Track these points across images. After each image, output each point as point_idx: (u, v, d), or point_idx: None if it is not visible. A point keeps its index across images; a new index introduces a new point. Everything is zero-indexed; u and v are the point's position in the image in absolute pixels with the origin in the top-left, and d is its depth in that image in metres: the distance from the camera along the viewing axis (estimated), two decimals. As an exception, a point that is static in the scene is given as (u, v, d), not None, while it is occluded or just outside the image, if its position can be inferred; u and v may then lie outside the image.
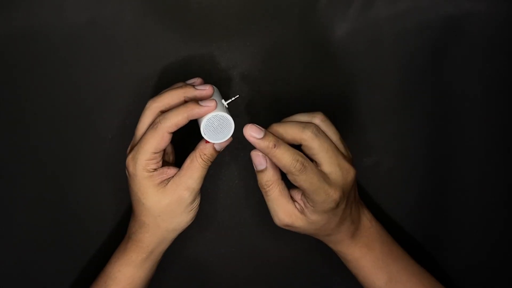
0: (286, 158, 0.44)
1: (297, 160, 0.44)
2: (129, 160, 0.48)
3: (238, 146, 0.58)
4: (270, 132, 0.45)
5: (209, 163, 0.49)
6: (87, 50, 0.56)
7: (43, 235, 0.57)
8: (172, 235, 0.51)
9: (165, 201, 0.48)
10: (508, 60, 0.56)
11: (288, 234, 0.58)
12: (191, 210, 0.50)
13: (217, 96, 0.50)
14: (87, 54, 0.56)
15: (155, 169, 0.48)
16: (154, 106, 0.48)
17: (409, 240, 0.58)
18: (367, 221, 0.51)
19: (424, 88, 0.57)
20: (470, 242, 0.58)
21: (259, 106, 0.57)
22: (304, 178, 0.44)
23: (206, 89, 0.48)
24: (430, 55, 0.56)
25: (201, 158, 0.48)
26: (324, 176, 0.45)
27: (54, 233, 0.58)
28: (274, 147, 0.44)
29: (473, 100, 0.57)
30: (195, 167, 0.48)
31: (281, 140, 0.45)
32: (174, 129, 0.47)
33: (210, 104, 0.46)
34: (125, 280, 0.50)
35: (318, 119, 0.48)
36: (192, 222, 0.58)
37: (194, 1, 0.56)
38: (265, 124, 0.56)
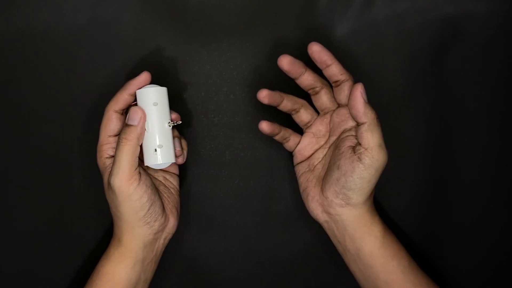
0: None
1: None
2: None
3: (238, 146, 0.58)
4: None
5: (128, 141, 0.49)
6: (87, 50, 0.56)
7: (43, 234, 0.57)
8: (139, 227, 0.50)
9: (112, 189, 0.49)
10: (508, 60, 0.57)
11: (288, 235, 0.59)
12: (138, 189, 0.49)
13: (164, 110, 0.51)
14: (87, 54, 0.56)
15: (112, 156, 0.51)
16: (107, 109, 0.52)
17: (408, 239, 0.58)
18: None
19: (424, 88, 0.57)
20: (469, 242, 0.58)
21: (259, 106, 0.57)
22: None
23: (141, 76, 0.51)
24: (430, 55, 0.56)
25: (119, 140, 0.49)
26: None
27: (54, 232, 0.58)
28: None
29: (473, 100, 0.57)
30: (118, 150, 0.49)
31: None
32: (116, 106, 0.51)
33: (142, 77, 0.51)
34: (105, 275, 0.51)
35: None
36: (192, 223, 0.58)
37: (194, 1, 0.56)
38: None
